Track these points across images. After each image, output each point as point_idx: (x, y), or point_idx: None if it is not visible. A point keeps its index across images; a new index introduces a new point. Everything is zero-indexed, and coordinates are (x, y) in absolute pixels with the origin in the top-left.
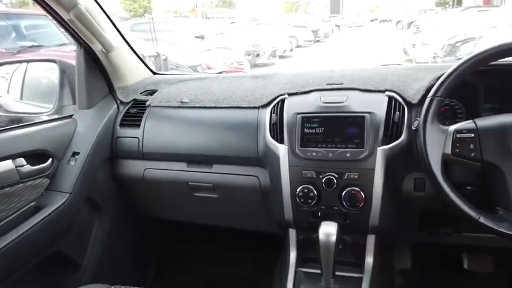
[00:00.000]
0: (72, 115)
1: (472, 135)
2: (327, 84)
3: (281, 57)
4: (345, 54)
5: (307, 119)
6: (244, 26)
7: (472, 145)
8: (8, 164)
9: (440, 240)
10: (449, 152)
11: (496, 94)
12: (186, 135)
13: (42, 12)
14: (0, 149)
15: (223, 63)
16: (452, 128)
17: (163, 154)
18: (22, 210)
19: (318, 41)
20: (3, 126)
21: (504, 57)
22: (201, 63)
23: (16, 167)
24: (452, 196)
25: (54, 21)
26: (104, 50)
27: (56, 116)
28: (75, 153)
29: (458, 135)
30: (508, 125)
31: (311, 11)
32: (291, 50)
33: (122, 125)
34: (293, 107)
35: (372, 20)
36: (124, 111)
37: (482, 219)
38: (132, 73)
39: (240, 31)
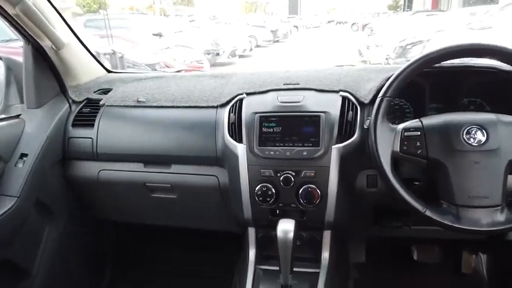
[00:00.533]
0: (20, 115)
1: (419, 133)
2: (284, 84)
3: (241, 56)
4: (303, 55)
5: (265, 118)
6: (204, 24)
7: (418, 143)
8: None
9: (392, 233)
10: (398, 150)
11: (440, 94)
12: (143, 135)
13: None
14: None
15: (183, 61)
16: (401, 126)
17: (118, 155)
18: None
19: (277, 41)
20: None
21: (446, 60)
22: (159, 61)
23: None
24: (401, 191)
25: (1, 17)
26: (53, 46)
27: (2, 116)
28: (23, 155)
29: (406, 134)
30: (450, 123)
31: (270, 11)
32: (251, 49)
33: (74, 125)
34: (251, 106)
35: (328, 22)
36: (76, 111)
37: (428, 213)
38: (84, 71)
39: (200, 30)
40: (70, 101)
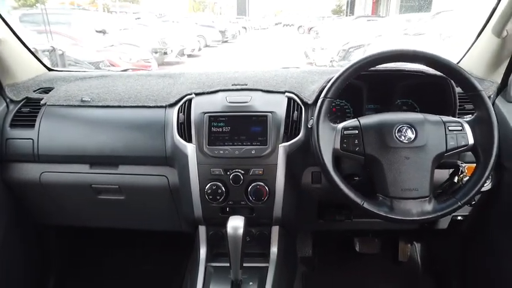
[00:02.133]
0: None
1: (357, 131)
2: (232, 85)
3: (189, 56)
4: (252, 56)
5: (214, 118)
6: (151, 22)
7: (356, 140)
8: None
9: (336, 227)
10: (339, 147)
11: (376, 96)
12: (88, 136)
13: None
14: None
15: (129, 60)
16: (341, 125)
17: (62, 156)
18: None
19: (226, 41)
20: None
21: (378, 64)
22: (103, 59)
23: None
24: (341, 186)
25: None
26: None
27: None
28: None
29: (345, 132)
30: (384, 122)
31: (218, 11)
32: (200, 49)
33: (12, 125)
34: (200, 106)
35: (276, 24)
36: (15, 111)
37: (365, 205)
38: (23, 69)
39: (146, 28)
40: (7, 100)
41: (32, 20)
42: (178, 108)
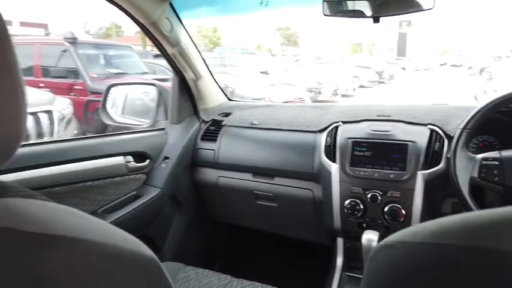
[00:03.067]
0: (164, 128)
1: (497, 163)
2: (377, 116)
3: (343, 96)
4: (409, 97)
5: (357, 143)
6: (308, 64)
7: (496, 171)
8: (119, 159)
9: None
10: (476, 176)
11: None
12: (254, 151)
13: (125, 43)
14: (115, 147)
15: (285, 98)
16: (480, 156)
17: (233, 165)
18: (126, 196)
19: (382, 82)
20: (117, 131)
21: None
22: (264, 97)
23: (125, 162)
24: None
25: (162, 55)
26: (194, 78)
27: (153, 128)
28: (166, 158)
29: (484, 162)
30: None
31: (376, 52)
32: (354, 89)
33: (202, 139)
34: (346, 132)
35: (441, 64)
36: (204, 128)
37: None
38: (212, 98)
39: (304, 69)
40: (200, 120)
41: (209, 62)
42: (327, 133)
